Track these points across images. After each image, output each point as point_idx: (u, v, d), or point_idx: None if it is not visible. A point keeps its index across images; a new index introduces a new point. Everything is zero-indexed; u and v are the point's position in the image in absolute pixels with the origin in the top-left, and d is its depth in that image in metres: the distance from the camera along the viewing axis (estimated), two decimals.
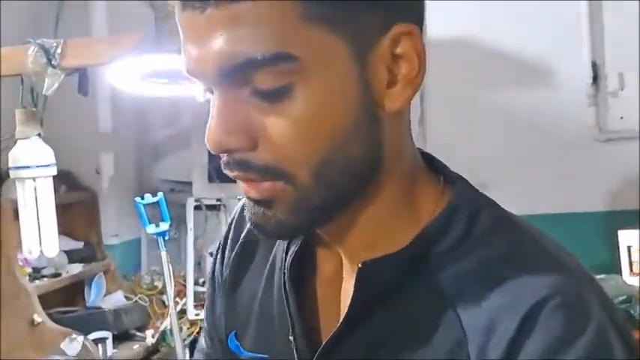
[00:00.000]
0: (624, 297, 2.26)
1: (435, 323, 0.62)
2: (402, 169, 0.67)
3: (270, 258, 0.76)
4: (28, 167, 1.54)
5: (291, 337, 0.70)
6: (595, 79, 2.75)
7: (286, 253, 0.72)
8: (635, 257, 2.45)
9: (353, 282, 0.64)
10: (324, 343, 0.67)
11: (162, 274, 2.35)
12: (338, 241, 0.68)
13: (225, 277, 0.81)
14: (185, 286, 2.59)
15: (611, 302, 0.61)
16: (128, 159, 2.77)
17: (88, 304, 2.54)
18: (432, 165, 0.71)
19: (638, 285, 2.32)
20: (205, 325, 0.88)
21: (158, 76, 1.34)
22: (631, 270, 2.43)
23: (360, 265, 0.63)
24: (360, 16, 0.60)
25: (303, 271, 0.72)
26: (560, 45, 2.77)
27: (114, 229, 2.77)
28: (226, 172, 0.61)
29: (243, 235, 0.80)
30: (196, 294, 2.59)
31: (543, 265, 0.62)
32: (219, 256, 0.84)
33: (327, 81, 0.59)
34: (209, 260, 2.64)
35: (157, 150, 2.77)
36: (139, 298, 2.62)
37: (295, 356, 0.70)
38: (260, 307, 0.76)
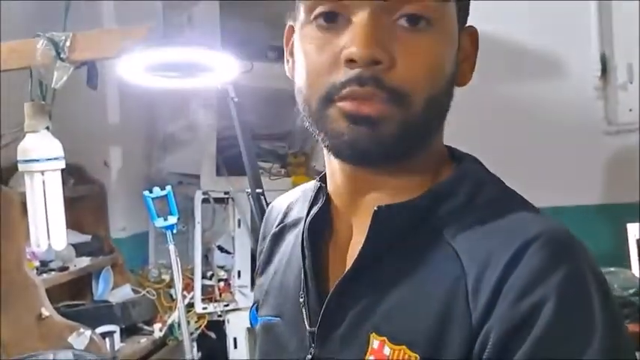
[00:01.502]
0: (633, 290, 2.26)
1: (437, 264, 0.69)
2: (440, 142, 0.79)
3: (292, 240, 0.85)
4: (36, 160, 1.54)
5: (301, 299, 0.78)
6: (604, 71, 2.74)
7: (306, 218, 0.82)
8: None
9: (363, 236, 0.72)
10: (335, 284, 0.74)
11: (170, 268, 2.35)
12: (373, 188, 0.76)
13: (259, 264, 0.93)
14: (193, 279, 2.58)
15: (591, 254, 0.68)
16: (136, 152, 2.76)
17: (95, 298, 2.54)
18: (450, 150, 0.81)
19: None
20: None
21: (168, 68, 1.33)
22: None
23: (376, 209, 0.71)
24: (464, 4, 0.76)
25: (320, 236, 0.81)
26: (568, 37, 2.76)
27: (122, 223, 2.77)
28: (355, 87, 0.68)
29: (273, 227, 0.92)
30: (204, 287, 2.59)
31: (536, 218, 0.70)
32: (258, 249, 0.97)
33: (449, 34, 0.73)
34: (217, 253, 2.65)
35: (166, 143, 2.76)
36: (147, 292, 2.63)
37: (305, 313, 0.78)
38: (280, 278, 0.85)
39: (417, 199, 0.73)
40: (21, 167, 1.56)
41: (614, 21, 2.73)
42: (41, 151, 1.54)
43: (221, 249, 2.65)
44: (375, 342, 0.70)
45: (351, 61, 0.67)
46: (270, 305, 0.86)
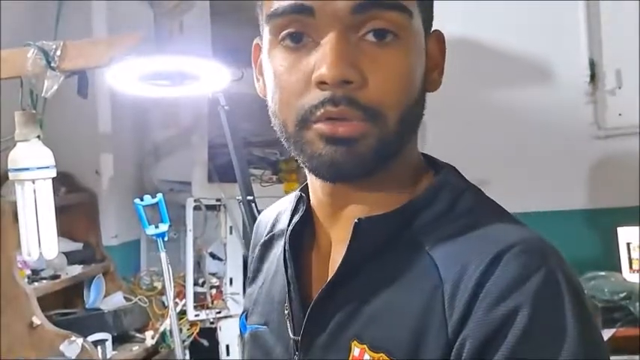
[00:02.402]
0: (624, 294, 2.27)
1: (416, 273, 0.70)
2: (415, 150, 0.79)
3: (279, 250, 0.85)
4: (27, 169, 1.54)
5: (286, 311, 0.80)
6: (592, 76, 2.76)
7: (288, 227, 0.83)
8: (634, 254, 2.45)
9: (344, 248, 0.73)
10: (317, 293, 0.75)
11: (162, 275, 2.35)
12: (352, 202, 0.77)
13: (250, 273, 0.95)
14: (185, 286, 2.58)
15: (565, 261, 0.68)
16: (127, 160, 2.76)
17: (87, 306, 2.53)
18: (428, 160, 0.82)
19: (637, 282, 2.33)
20: None
21: (158, 77, 1.33)
22: (630, 267, 2.43)
23: (356, 221, 0.72)
24: (428, 8, 0.76)
25: (302, 246, 0.82)
26: (557, 43, 2.77)
27: (113, 231, 2.76)
28: (329, 108, 0.68)
29: (262, 238, 0.94)
30: (196, 295, 2.59)
31: (512, 227, 0.71)
32: (250, 254, 0.98)
33: (415, 47, 0.73)
34: (209, 261, 2.65)
35: (157, 150, 2.76)
36: (139, 300, 2.62)
37: (290, 324, 0.79)
38: (268, 287, 0.87)
39: (396, 210, 0.73)
40: (12, 176, 1.56)
41: (602, 27, 2.75)
42: (32, 160, 1.54)
43: (213, 256, 2.65)
44: (356, 349, 0.71)
45: (322, 83, 0.67)
46: (258, 314, 0.87)
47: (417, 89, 0.73)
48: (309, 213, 0.82)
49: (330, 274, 0.75)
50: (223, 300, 2.60)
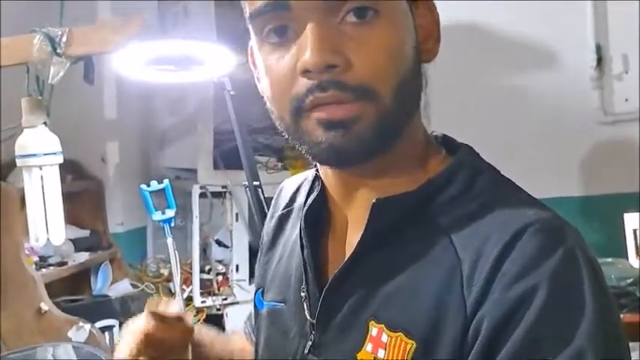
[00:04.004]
0: (631, 280, 2.27)
1: (433, 253, 0.70)
2: (420, 129, 0.79)
3: (297, 227, 0.85)
4: (34, 155, 1.54)
5: (303, 293, 0.80)
6: (599, 61, 2.74)
7: (304, 207, 0.83)
8: None
9: (360, 228, 0.73)
10: (333, 274, 0.76)
11: (168, 262, 2.35)
12: (363, 184, 0.77)
13: (264, 242, 0.96)
14: (191, 273, 2.59)
15: (584, 241, 0.68)
16: (133, 147, 2.77)
17: (94, 293, 2.55)
18: (437, 138, 0.82)
19: None
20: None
21: (164, 62, 1.33)
22: (637, 253, 2.43)
23: (374, 201, 0.72)
24: None
25: (318, 225, 0.82)
26: (564, 28, 2.76)
27: (120, 218, 2.77)
28: (318, 94, 0.68)
29: (280, 210, 0.95)
30: (202, 281, 2.59)
31: (530, 206, 0.71)
32: (264, 227, 0.99)
33: (399, 20, 0.72)
34: (215, 248, 2.65)
35: (163, 137, 2.76)
36: (146, 286, 2.63)
37: (306, 305, 0.80)
38: (285, 264, 0.87)
39: (414, 191, 0.73)
40: (19, 162, 1.57)
41: (609, 12, 2.73)
42: (39, 146, 1.54)
43: (219, 243, 2.66)
44: (374, 329, 0.71)
45: (306, 72, 0.68)
46: (275, 291, 0.88)
47: (408, 62, 0.72)
48: (324, 192, 0.83)
49: (347, 255, 0.76)
50: (229, 287, 2.61)
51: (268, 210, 1.01)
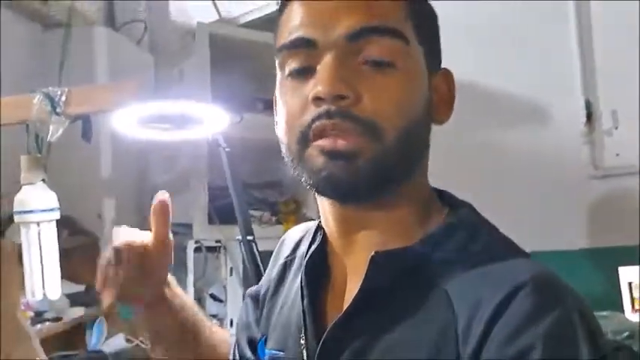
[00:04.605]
0: (627, 333, 2.26)
1: (430, 308, 0.71)
2: (424, 183, 0.82)
3: (299, 276, 0.88)
4: (32, 212, 1.56)
5: (302, 340, 0.81)
6: (589, 117, 2.79)
7: (305, 256, 0.86)
8: (636, 294, 2.44)
9: (359, 280, 0.74)
10: (331, 324, 0.77)
11: None
12: (362, 227, 0.79)
13: (265, 291, 0.98)
14: None
15: (582, 299, 0.69)
16: (129, 203, 2.79)
17: (89, 348, 2.53)
18: (441, 195, 0.84)
19: None
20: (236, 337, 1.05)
21: (160, 121, 1.37)
22: (633, 307, 2.43)
23: (373, 254, 0.73)
24: (433, 47, 0.80)
25: (319, 275, 0.84)
26: (552, 84, 2.81)
27: None
28: (324, 121, 0.72)
29: (283, 258, 0.97)
30: None
31: (526, 265, 0.72)
32: (266, 275, 1.02)
33: (415, 75, 0.76)
34: (209, 302, 2.65)
35: (158, 192, 2.78)
36: (140, 342, 2.62)
37: (305, 354, 0.80)
38: (286, 313, 0.89)
39: (413, 245, 0.75)
40: (17, 218, 1.58)
41: (597, 68, 2.79)
42: (37, 203, 1.56)
43: (214, 297, 2.66)
44: None
45: (317, 99, 0.72)
46: (275, 339, 0.90)
47: (416, 112, 0.76)
48: (325, 242, 0.85)
49: (345, 305, 0.77)
50: None
51: (262, 264, 1.04)
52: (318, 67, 0.73)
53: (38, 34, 2.45)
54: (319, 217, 0.89)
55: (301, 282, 0.84)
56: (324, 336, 0.77)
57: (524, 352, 0.62)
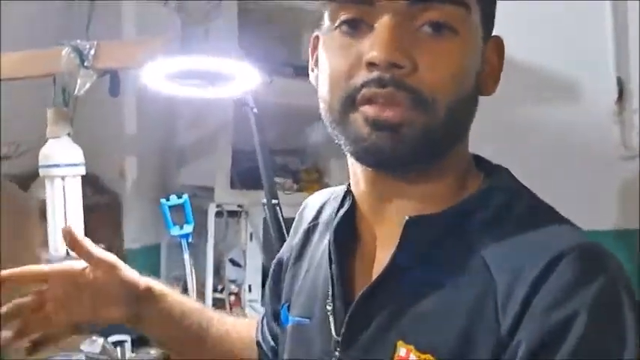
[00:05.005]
0: None
1: (466, 274, 0.69)
2: (465, 152, 0.80)
3: (324, 241, 0.86)
4: (57, 166, 1.56)
5: (329, 307, 0.79)
6: (620, 96, 2.74)
7: (333, 222, 0.83)
8: None
9: (390, 247, 0.72)
10: (361, 291, 0.75)
11: (182, 280, 2.35)
12: (397, 195, 0.76)
13: (289, 257, 0.96)
14: (204, 292, 2.59)
15: (624, 269, 0.68)
16: (152, 163, 2.78)
17: None
18: (476, 160, 0.82)
19: None
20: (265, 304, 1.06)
21: (189, 77, 1.35)
22: None
23: (407, 219, 0.71)
24: (489, 13, 0.77)
25: (346, 241, 0.82)
26: (584, 61, 2.76)
27: (135, 234, 2.78)
28: (375, 89, 0.68)
29: (306, 224, 0.95)
30: (215, 301, 2.59)
31: (569, 232, 0.71)
32: (288, 241, 1.00)
33: (473, 43, 0.73)
34: (229, 267, 2.65)
35: (181, 154, 2.78)
36: None
37: (332, 319, 0.78)
38: (311, 279, 0.87)
39: (448, 210, 0.73)
40: (42, 172, 1.58)
41: (630, 45, 2.73)
42: (62, 157, 1.56)
43: (233, 262, 2.66)
44: (402, 350, 0.70)
45: (371, 65, 0.68)
46: (300, 306, 0.88)
47: (469, 85, 0.73)
48: (354, 208, 0.82)
49: (375, 272, 0.76)
50: (242, 307, 2.60)
51: (285, 229, 1.02)
52: (376, 27, 0.69)
53: None
54: (348, 182, 0.87)
55: (329, 247, 0.82)
56: (354, 302, 0.76)
57: (568, 320, 0.61)
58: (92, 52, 1.51)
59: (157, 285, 1.04)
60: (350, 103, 0.71)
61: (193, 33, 2.47)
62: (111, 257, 0.98)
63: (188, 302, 1.07)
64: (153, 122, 2.71)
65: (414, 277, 0.72)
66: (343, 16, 0.72)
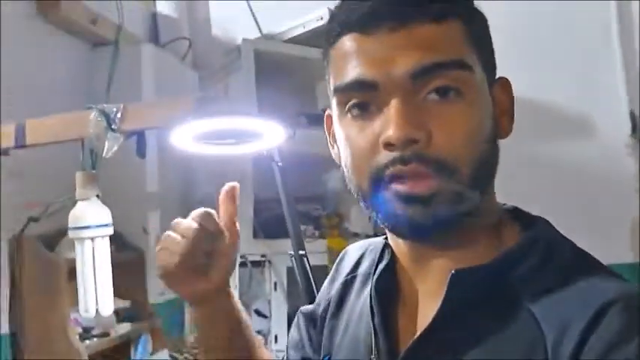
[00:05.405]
0: None
1: (513, 326, 0.69)
2: (494, 202, 0.81)
3: (364, 294, 0.87)
4: (87, 227, 1.58)
5: (373, 358, 0.80)
6: (634, 128, 2.76)
7: (374, 275, 0.84)
8: None
9: (434, 300, 0.73)
10: (411, 343, 0.75)
11: None
12: (436, 255, 0.77)
13: (326, 309, 0.96)
14: None
15: None
16: (174, 217, 2.80)
17: None
18: (510, 210, 0.83)
19: None
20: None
21: (213, 137, 1.38)
22: None
23: (453, 272, 0.72)
24: (489, 58, 0.78)
25: (388, 294, 0.83)
26: (597, 96, 2.79)
27: (159, 288, 2.78)
28: (399, 167, 0.70)
29: (343, 276, 0.96)
30: None
31: (613, 281, 0.70)
32: (324, 292, 0.99)
33: (480, 99, 0.74)
34: (254, 318, 2.65)
35: (202, 207, 2.80)
36: (185, 358, 2.63)
37: None
38: (352, 333, 0.87)
39: (492, 262, 0.73)
40: (72, 234, 1.60)
41: None
42: (92, 218, 1.58)
43: (258, 313, 2.66)
44: None
45: (389, 145, 0.71)
46: (343, 358, 0.88)
47: (486, 139, 0.74)
48: (393, 262, 0.84)
49: (420, 325, 0.76)
50: None
51: (313, 279, 1.02)
52: (385, 110, 0.72)
53: (87, 52, 2.49)
54: (384, 235, 0.88)
55: (371, 300, 0.83)
56: (401, 355, 0.76)
57: None
58: (119, 115, 1.55)
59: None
60: (378, 181, 0.73)
61: (212, 91, 2.52)
62: (239, 234, 0.99)
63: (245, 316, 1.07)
64: (174, 177, 2.75)
65: (461, 330, 0.72)
66: (352, 102, 0.75)
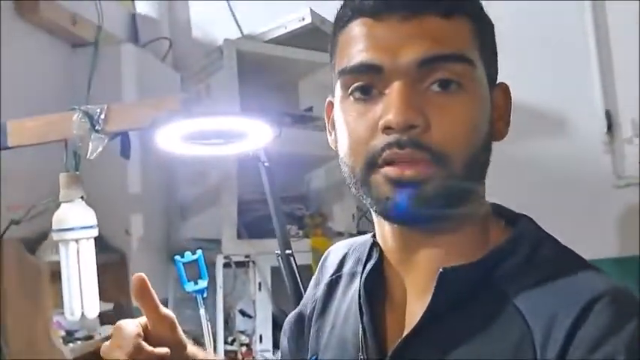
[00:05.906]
0: None
1: (501, 322, 0.71)
2: (483, 200, 0.82)
3: (349, 293, 0.88)
4: (72, 229, 1.57)
5: (362, 357, 0.81)
6: (609, 126, 2.80)
7: (362, 275, 0.85)
8: None
9: (422, 298, 0.74)
10: (399, 341, 0.76)
11: (191, 334, 2.34)
12: (423, 247, 0.79)
13: (312, 310, 0.97)
14: (215, 346, 2.58)
15: None
16: (156, 219, 2.79)
17: None
18: (497, 209, 0.85)
19: None
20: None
21: (199, 137, 1.38)
22: None
23: (441, 270, 0.73)
24: (492, 61, 0.81)
25: (376, 293, 0.83)
26: (573, 96, 2.82)
27: None
28: (395, 150, 0.72)
29: (328, 276, 0.97)
30: (226, 353, 2.58)
31: (598, 277, 0.72)
32: (308, 293, 1.00)
33: (481, 95, 0.77)
34: (238, 318, 2.65)
35: (185, 209, 2.79)
36: None
37: None
38: (339, 333, 0.88)
39: (479, 260, 0.75)
40: (56, 236, 1.59)
41: (615, 78, 2.80)
42: (76, 220, 1.57)
43: (243, 313, 2.65)
44: None
45: (388, 128, 0.72)
46: (330, 358, 0.89)
47: (482, 136, 0.76)
48: (381, 260, 0.84)
49: (408, 323, 0.77)
50: (254, 358, 2.59)
51: (300, 279, 1.02)
52: (387, 93, 0.74)
53: (67, 52, 2.47)
54: (373, 232, 0.89)
55: (359, 299, 0.83)
56: (390, 353, 0.77)
57: (609, 359, 0.63)
58: (102, 115, 1.54)
59: (198, 350, 1.01)
60: (372, 165, 0.74)
61: (193, 91, 2.52)
62: (172, 315, 0.95)
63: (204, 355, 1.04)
64: (157, 178, 2.73)
65: (450, 327, 0.73)
66: (355, 84, 0.76)
